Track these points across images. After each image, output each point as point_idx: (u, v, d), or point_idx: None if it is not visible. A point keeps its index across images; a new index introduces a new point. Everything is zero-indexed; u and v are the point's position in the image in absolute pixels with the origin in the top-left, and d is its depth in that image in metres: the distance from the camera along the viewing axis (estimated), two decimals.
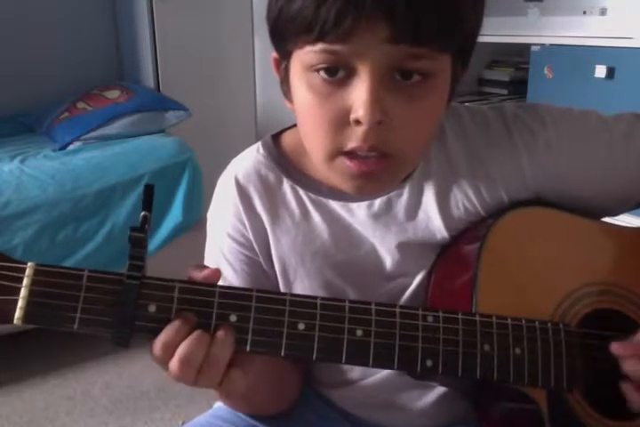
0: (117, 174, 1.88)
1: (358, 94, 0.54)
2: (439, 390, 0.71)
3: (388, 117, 0.55)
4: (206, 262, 0.72)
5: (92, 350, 1.91)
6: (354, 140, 0.56)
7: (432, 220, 0.67)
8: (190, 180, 1.95)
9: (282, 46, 0.60)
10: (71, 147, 2.02)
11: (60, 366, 1.87)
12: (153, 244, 1.89)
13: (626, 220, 0.74)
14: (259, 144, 0.73)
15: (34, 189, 1.79)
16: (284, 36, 0.57)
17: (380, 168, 0.58)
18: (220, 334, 0.53)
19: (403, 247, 0.68)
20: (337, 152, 0.58)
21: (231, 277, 0.70)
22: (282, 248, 0.70)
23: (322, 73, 0.56)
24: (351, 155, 0.58)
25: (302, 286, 0.70)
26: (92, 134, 2.03)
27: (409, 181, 0.68)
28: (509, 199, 0.67)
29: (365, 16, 0.51)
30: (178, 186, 1.94)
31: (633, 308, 0.66)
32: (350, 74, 0.55)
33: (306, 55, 0.56)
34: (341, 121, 0.56)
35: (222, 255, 0.71)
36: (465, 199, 0.67)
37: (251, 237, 0.70)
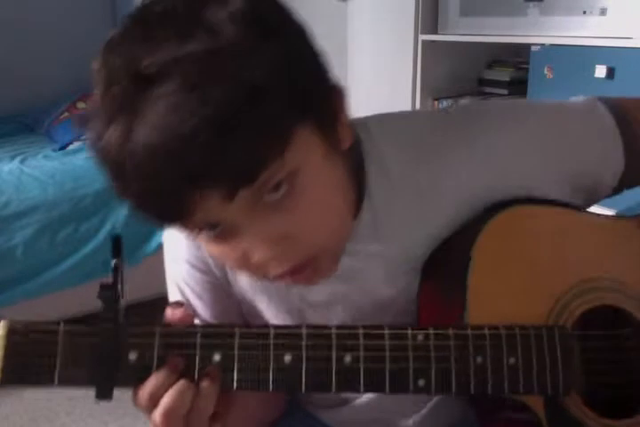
0: None
1: (243, 244, 0.53)
2: (434, 399, 0.70)
3: (283, 238, 0.53)
4: (169, 291, 0.71)
5: None
6: (270, 270, 0.55)
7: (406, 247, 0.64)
8: None
9: None
10: (71, 147, 2.02)
11: None
12: (151, 245, 1.90)
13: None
14: None
15: (34, 189, 1.79)
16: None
17: (311, 269, 0.57)
18: (205, 385, 0.51)
19: (382, 265, 0.65)
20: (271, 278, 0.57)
21: (198, 306, 0.69)
22: (241, 288, 0.68)
23: (205, 232, 0.54)
24: (280, 276, 0.56)
25: (267, 312, 0.69)
26: None
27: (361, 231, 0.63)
28: (483, 206, 0.63)
29: (198, 194, 0.49)
30: None
31: (631, 302, 0.64)
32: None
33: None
34: (251, 260, 0.55)
35: (186, 284, 0.69)
36: (429, 228, 0.64)
37: (210, 261, 0.68)
